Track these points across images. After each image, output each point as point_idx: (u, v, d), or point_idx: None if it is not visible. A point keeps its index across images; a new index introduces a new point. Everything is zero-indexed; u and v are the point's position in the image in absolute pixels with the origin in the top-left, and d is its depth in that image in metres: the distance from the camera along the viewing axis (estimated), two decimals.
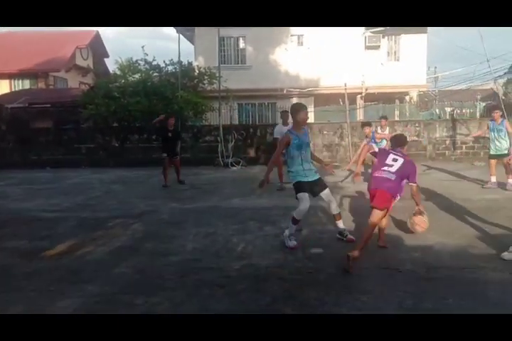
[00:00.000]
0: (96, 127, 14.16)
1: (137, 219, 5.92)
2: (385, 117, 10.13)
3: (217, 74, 14.58)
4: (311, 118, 16.55)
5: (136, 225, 5.55)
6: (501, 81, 20.33)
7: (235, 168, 12.96)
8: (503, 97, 15.43)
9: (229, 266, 3.85)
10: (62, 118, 14.64)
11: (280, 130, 7.72)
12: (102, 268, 3.86)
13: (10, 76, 21.42)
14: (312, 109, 16.85)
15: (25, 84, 21.70)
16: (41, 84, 21.57)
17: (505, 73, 20.64)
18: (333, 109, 15.89)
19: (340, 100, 15.22)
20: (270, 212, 6.19)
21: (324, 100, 16.85)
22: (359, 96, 17.53)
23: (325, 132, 14.50)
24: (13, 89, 20.96)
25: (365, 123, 9.52)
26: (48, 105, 15.13)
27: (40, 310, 2.96)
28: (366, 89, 17.57)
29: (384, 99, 17.06)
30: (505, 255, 3.85)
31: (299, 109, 4.46)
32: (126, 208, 6.74)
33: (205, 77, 15.11)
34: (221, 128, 13.84)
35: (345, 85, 14.70)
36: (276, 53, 18.00)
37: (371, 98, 17.52)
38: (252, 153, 14.56)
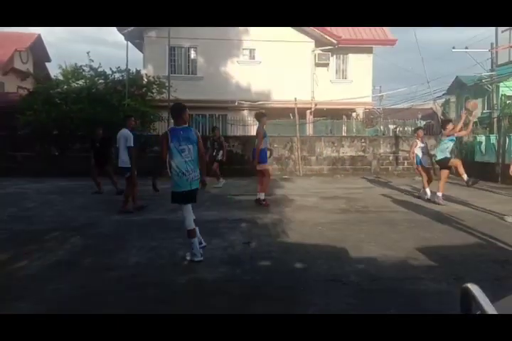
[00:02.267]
0: (34, 134, 13.39)
1: (76, 232, 5.58)
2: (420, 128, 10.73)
3: (166, 84, 14.35)
4: None
5: (75, 238, 5.23)
6: (440, 101, 21.74)
7: None
8: (442, 117, 16.44)
9: (174, 281, 3.72)
10: None
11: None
12: (35, 284, 3.59)
13: None
14: None
15: None
16: None
17: (443, 94, 22.11)
18: (284, 122, 16.16)
19: (291, 114, 15.52)
20: (218, 224, 6.10)
21: (275, 114, 17.06)
22: (309, 111, 17.98)
23: (275, 145, 14.67)
24: None
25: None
26: None
27: None
28: (316, 105, 18.08)
29: (332, 115, 17.62)
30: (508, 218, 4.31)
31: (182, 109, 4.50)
32: (63, 220, 6.35)
33: (154, 86, 14.81)
34: None
35: (296, 100, 15.05)
36: (228, 65, 18.09)
37: (320, 113, 18.03)
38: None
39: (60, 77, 14.35)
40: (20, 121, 12.75)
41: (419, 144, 8.96)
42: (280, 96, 17.39)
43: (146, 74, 15.45)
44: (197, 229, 4.48)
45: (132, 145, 7.09)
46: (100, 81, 14.50)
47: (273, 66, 17.62)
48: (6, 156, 13.24)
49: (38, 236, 5.29)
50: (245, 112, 17.98)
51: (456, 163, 7.99)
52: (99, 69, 14.44)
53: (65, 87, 14.11)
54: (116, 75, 14.74)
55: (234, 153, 14.60)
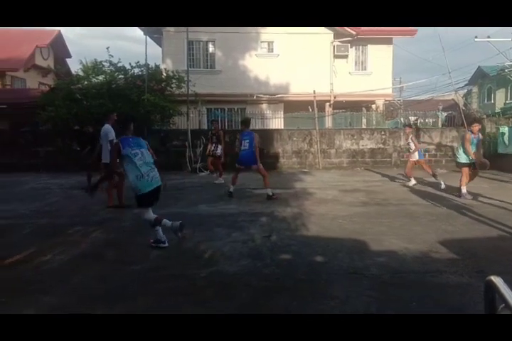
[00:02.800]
0: (55, 130, 13.63)
1: (99, 226, 5.70)
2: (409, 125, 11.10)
3: (185, 78, 14.39)
4: (280, 125, 16.69)
5: (97, 232, 5.33)
6: (462, 92, 21.21)
7: (203, 174, 12.82)
8: (463, 108, 16.06)
9: (196, 274, 3.75)
10: (19, 120, 14.04)
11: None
12: (61, 277, 3.67)
13: None
14: (281, 116, 16.97)
15: None
16: None
17: (465, 85, 21.57)
18: (303, 115, 16.05)
19: (310, 107, 15.40)
20: (238, 218, 6.12)
21: (294, 107, 16.98)
22: (328, 103, 17.81)
23: (294, 138, 14.61)
24: None
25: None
26: (4, 106, 14.48)
27: None
28: (335, 97, 17.89)
29: (352, 107, 17.41)
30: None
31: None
32: (86, 215, 6.48)
33: (173, 81, 14.86)
34: (189, 133, 13.68)
35: (314, 92, 14.91)
36: (246, 59, 18.03)
37: (339, 106, 17.84)
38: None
39: (81, 73, 14.52)
40: (42, 116, 12.97)
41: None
42: (299, 89, 17.26)
43: (165, 69, 15.51)
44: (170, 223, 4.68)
45: (112, 139, 7.00)
46: (120, 76, 14.62)
47: (291, 58, 17.48)
48: (28, 152, 13.55)
49: (62, 230, 5.42)
50: (264, 106, 17.93)
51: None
52: (119, 65, 14.55)
53: (86, 82, 14.27)
54: (136, 70, 14.84)
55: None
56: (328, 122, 16.87)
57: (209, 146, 10.80)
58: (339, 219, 5.91)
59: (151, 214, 4.70)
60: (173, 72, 14.92)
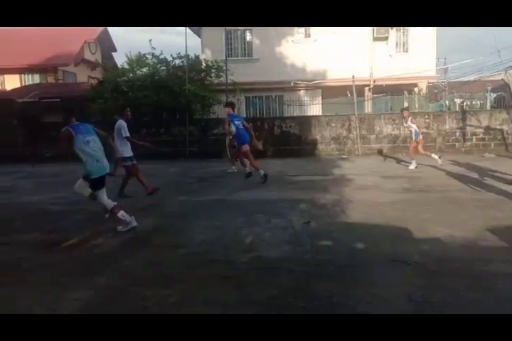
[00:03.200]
0: (104, 121, 14.19)
1: (146, 211, 5.97)
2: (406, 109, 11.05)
3: (224, 68, 14.53)
4: (318, 111, 16.52)
5: (145, 218, 5.58)
6: None
7: None
8: None
9: (238, 259, 3.87)
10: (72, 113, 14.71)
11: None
12: (112, 260, 3.90)
13: (20, 71, 21.62)
14: (319, 102, 16.78)
15: (35, 79, 21.88)
16: (50, 79, 21.72)
17: None
18: (341, 101, 15.79)
19: (348, 92, 15.12)
20: (277, 204, 6.20)
21: (332, 92, 16.73)
22: (367, 88, 17.40)
23: (332, 124, 14.45)
24: (23, 84, 21.14)
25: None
26: (58, 99, 15.22)
27: (53, 301, 3.00)
28: (374, 81, 17.43)
29: (392, 91, 16.92)
30: None
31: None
32: (134, 201, 6.78)
33: (212, 71, 15.06)
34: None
35: (353, 77, 14.60)
36: (283, 46, 17.89)
37: (379, 90, 17.38)
38: (259, 146, 14.56)
39: (126, 66, 15.04)
40: (93, 109, 13.57)
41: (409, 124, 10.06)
42: (337, 74, 16.97)
43: (204, 59, 15.73)
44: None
45: (128, 135, 7.30)
46: (162, 68, 15.02)
47: (329, 43, 17.16)
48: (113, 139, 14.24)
49: (112, 215, 5.69)
50: (301, 92, 17.78)
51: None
52: (161, 57, 14.94)
53: (131, 75, 14.77)
54: (177, 61, 15.18)
55: (291, 133, 14.57)
56: (368, 107, 16.52)
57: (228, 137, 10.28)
58: (380, 206, 5.86)
59: (106, 199, 4.95)
60: (212, 62, 15.11)
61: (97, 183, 4.86)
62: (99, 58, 24.12)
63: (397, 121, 14.22)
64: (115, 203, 5.00)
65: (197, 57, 16.06)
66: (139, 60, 14.76)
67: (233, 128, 8.55)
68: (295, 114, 16.17)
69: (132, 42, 37.07)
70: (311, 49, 17.52)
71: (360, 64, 17.03)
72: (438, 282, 3.24)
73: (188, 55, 14.83)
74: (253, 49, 17.98)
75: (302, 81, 17.55)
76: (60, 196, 7.34)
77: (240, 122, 8.58)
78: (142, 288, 3.24)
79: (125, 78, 14.60)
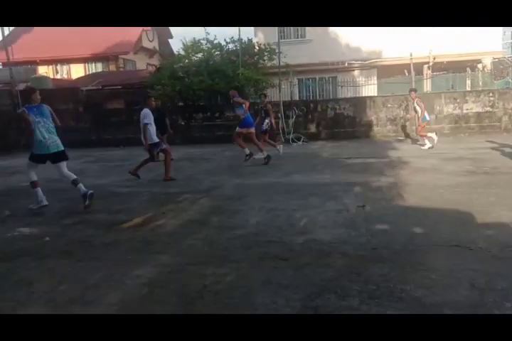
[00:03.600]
0: (163, 107, 14.69)
1: (204, 194, 6.17)
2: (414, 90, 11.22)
3: (276, 50, 14.42)
4: (373, 92, 15.98)
5: (203, 200, 5.80)
6: None
7: (296, 144, 12.95)
8: None
9: (292, 240, 3.92)
10: (132, 99, 15.38)
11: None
12: (173, 240, 4.10)
13: (84, 60, 22.80)
14: (375, 82, 16.22)
15: (98, 67, 23.00)
16: (112, 67, 22.74)
17: None
18: (398, 80, 15.17)
19: (406, 71, 14.47)
20: (332, 187, 6.16)
21: (388, 72, 16.09)
22: (426, 66, 16.52)
23: (389, 105, 13.97)
24: (87, 73, 22.28)
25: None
26: (119, 87, 15.92)
27: (119, 278, 3.20)
28: (434, 58, 16.50)
29: (454, 68, 15.96)
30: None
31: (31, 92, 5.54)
32: (193, 184, 7.05)
33: (265, 54, 15.01)
34: (281, 105, 13.79)
35: (411, 55, 13.93)
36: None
37: (440, 67, 16.46)
38: (312, 128, 14.44)
39: (182, 52, 15.38)
40: (151, 95, 14.05)
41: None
42: (393, 52, 16.24)
43: (257, 43, 15.69)
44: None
45: (147, 122, 7.46)
46: (216, 53, 15.21)
47: None
48: (140, 128, 14.83)
49: (173, 197, 5.98)
50: (356, 72, 17.25)
51: None
52: (215, 42, 15.11)
53: (186, 61, 15.10)
54: (230, 46, 15.30)
55: (345, 115, 14.27)
56: (427, 86, 15.74)
57: (257, 120, 10.15)
58: (440, 189, 5.65)
59: (33, 173, 5.54)
60: (264, 45, 15.04)
61: (34, 158, 5.49)
62: (156, 45, 24.83)
63: (458, 100, 13.48)
64: (36, 179, 5.58)
65: (250, 40, 16.05)
66: (193, 46, 15.03)
67: (241, 112, 8.88)
68: (349, 96, 15.78)
69: (187, 28, 37.58)
70: (366, 27, 16.85)
71: (418, 41, 16.16)
72: (504, 269, 3.10)
73: (241, 39, 14.88)
74: (306, 30, 17.59)
75: (357, 61, 17.00)
76: (126, 178, 7.76)
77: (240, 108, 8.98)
78: (201, 266, 3.39)
79: (181, 64, 14.95)
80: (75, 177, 5.58)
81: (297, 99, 16.01)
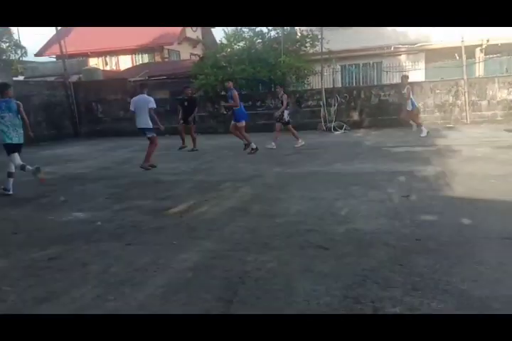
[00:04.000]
0: (206, 96, 14.88)
1: (245, 182, 6.26)
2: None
3: (319, 37, 14.14)
4: (421, 77, 15.35)
5: (244, 188, 5.88)
6: None
7: (337, 132, 12.76)
8: None
9: (333, 230, 3.91)
10: (177, 89, 15.68)
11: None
12: (216, 226, 4.21)
13: (132, 51, 23.46)
14: (422, 66, 15.58)
15: (145, 58, 23.64)
16: (158, 58, 23.29)
17: None
18: (447, 64, 14.48)
19: (456, 54, 13.78)
20: (374, 177, 6.06)
21: (437, 55, 15.37)
22: (478, 48, 15.63)
23: (437, 91, 13.42)
24: (134, 64, 22.94)
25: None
26: (164, 77, 16.26)
27: (165, 262, 3.35)
28: (487, 41, 15.56)
29: (509, 51, 15.01)
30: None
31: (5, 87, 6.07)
32: (234, 172, 7.15)
33: (307, 40, 14.76)
34: (323, 92, 13.60)
35: (462, 38, 13.23)
36: None
37: (494, 50, 15.51)
38: (355, 116, 14.14)
39: (224, 41, 15.44)
40: (195, 84, 14.29)
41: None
42: (443, 35, 15.46)
43: (299, 29, 15.45)
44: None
45: (155, 106, 7.81)
46: (258, 41, 15.14)
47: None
48: (184, 117, 15.16)
49: (215, 185, 6.11)
50: (403, 57, 16.59)
51: None
52: (257, 30, 15.04)
53: (229, 50, 15.15)
54: (272, 33, 15.18)
55: (389, 102, 13.85)
56: (479, 70, 14.90)
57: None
58: (491, 179, 5.42)
59: (13, 164, 6.05)
60: (306, 31, 14.79)
61: (8, 149, 6.04)
62: (200, 35, 25.08)
63: None
64: (13, 171, 6.09)
65: (292, 27, 15.82)
66: (235, 35, 15.03)
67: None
68: (394, 81, 15.25)
69: None
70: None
71: None
72: None
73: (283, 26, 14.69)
74: None
75: (403, 45, 16.35)
76: (172, 167, 8.03)
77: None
78: (242, 253, 3.47)
79: (223, 53, 15.02)
80: (22, 163, 6.17)
81: (340, 86, 15.68)
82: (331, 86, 14.80)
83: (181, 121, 10.45)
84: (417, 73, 15.49)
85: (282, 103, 10.02)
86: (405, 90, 10.75)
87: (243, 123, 9.28)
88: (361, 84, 16.52)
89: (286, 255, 3.40)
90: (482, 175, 5.68)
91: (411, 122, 11.21)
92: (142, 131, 7.89)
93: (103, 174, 7.69)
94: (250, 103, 14.42)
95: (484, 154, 7.31)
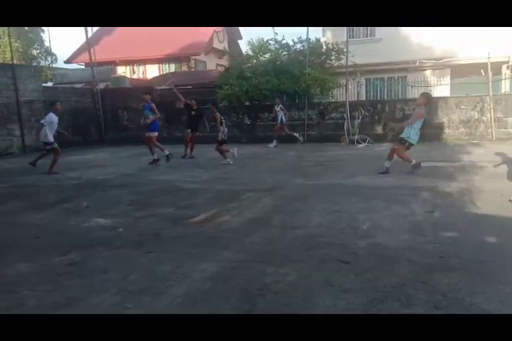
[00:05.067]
0: (230, 106, 15.05)
1: (266, 192, 6.25)
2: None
3: (344, 50, 14.20)
4: (446, 92, 15.16)
5: (266, 199, 5.87)
6: None
7: (361, 146, 12.68)
8: None
9: (354, 244, 3.85)
10: (201, 99, 15.93)
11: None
12: (237, 236, 4.20)
13: (159, 60, 24.00)
14: (448, 82, 15.41)
15: (171, 68, 24.14)
16: (184, 67, 23.74)
17: None
18: (473, 81, 14.29)
19: (482, 71, 13.58)
20: (398, 191, 5.97)
21: (462, 71, 15.21)
22: (505, 65, 15.40)
23: (462, 106, 13.21)
24: (161, 73, 23.42)
25: None
26: (190, 87, 16.55)
27: (185, 271, 3.34)
28: None
29: None
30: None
31: None
32: (256, 182, 7.16)
33: (333, 53, 14.85)
34: (348, 105, 13.56)
35: (489, 54, 13.05)
36: None
37: None
38: (379, 130, 14.04)
39: (250, 53, 15.66)
40: (219, 94, 14.48)
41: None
42: (469, 51, 15.30)
43: (325, 42, 15.58)
44: None
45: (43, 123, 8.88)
46: (284, 53, 15.31)
47: None
48: (210, 127, 15.37)
49: (236, 195, 6.12)
50: (427, 72, 16.49)
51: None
52: (283, 42, 15.21)
53: (254, 61, 15.35)
54: (298, 46, 15.35)
55: None
56: (505, 86, 14.68)
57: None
58: None
59: None
60: (332, 44, 14.89)
61: None
62: (226, 46, 25.49)
63: None
64: None
65: (317, 40, 16.00)
66: (261, 47, 15.23)
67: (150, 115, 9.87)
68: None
69: (257, 28, 38.21)
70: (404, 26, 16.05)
71: (497, 38, 15.09)
72: None
73: (309, 39, 14.83)
74: (376, 29, 17.13)
75: (429, 60, 16.23)
76: (194, 175, 8.11)
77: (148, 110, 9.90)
78: (262, 264, 3.43)
79: (249, 64, 15.22)
80: None
81: (364, 99, 15.64)
82: (356, 99, 14.78)
83: (189, 130, 11.04)
84: (442, 88, 15.33)
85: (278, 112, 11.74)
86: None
87: (156, 133, 10.11)
88: (386, 98, 16.43)
89: (306, 268, 3.36)
90: (508, 192, 5.54)
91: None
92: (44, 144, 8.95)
93: (126, 180, 7.80)
94: (274, 114, 14.50)
95: (510, 171, 7.13)
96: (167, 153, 9.88)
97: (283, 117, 13.06)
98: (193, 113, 11.10)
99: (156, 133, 10.13)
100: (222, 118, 9.76)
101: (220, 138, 9.66)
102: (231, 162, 9.43)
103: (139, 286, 3.08)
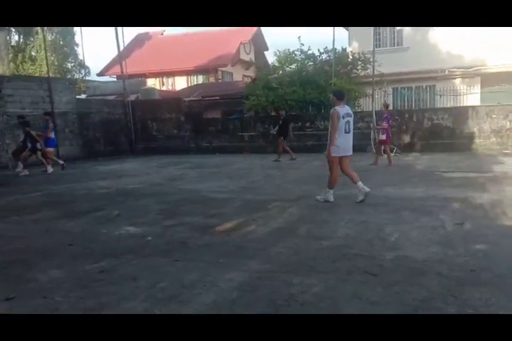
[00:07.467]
0: (257, 116, 15.21)
1: (293, 202, 6.27)
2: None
3: (371, 59, 14.15)
4: (477, 101, 14.83)
5: (292, 209, 5.88)
6: None
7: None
8: None
9: (382, 256, 3.81)
10: (228, 109, 16.19)
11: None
12: (263, 246, 4.22)
13: (187, 72, 24.59)
14: (478, 91, 15.08)
15: (199, 79, 24.70)
16: (211, 79, 24.26)
17: None
18: (505, 89, 13.93)
19: None
20: (426, 202, 5.88)
21: (493, 80, 14.85)
22: None
23: (493, 116, 12.90)
24: (189, 84, 23.97)
25: None
26: (217, 97, 16.85)
27: (212, 280, 3.38)
28: None
29: None
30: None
31: None
32: (282, 192, 7.19)
33: (359, 63, 14.82)
34: (374, 115, 13.44)
35: None
36: (437, 30, 16.49)
37: None
38: (407, 139, 13.85)
39: (276, 63, 15.82)
40: (246, 105, 14.67)
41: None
42: (500, 58, 14.95)
43: (351, 52, 15.58)
44: None
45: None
46: (309, 63, 15.39)
47: None
48: (236, 136, 15.59)
49: (263, 205, 6.17)
50: (457, 81, 16.18)
51: None
52: (309, 52, 15.30)
53: (280, 72, 15.50)
54: (324, 56, 15.41)
55: (443, 126, 13.45)
56: None
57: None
58: None
59: None
60: (358, 54, 14.87)
61: None
62: (252, 57, 25.87)
63: None
64: None
65: (343, 50, 15.99)
66: (287, 57, 15.36)
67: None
68: (448, 105, 14.86)
69: (283, 39, 38.53)
70: (470, 32, 15.75)
71: None
72: None
73: (335, 49, 14.86)
74: (403, 37, 17.01)
75: (458, 68, 15.95)
76: (221, 185, 8.22)
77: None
78: (288, 275, 3.44)
79: (275, 75, 15.37)
80: None
81: (391, 108, 15.48)
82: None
83: (281, 138, 12.22)
84: (472, 97, 15.02)
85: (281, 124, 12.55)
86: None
87: (51, 149, 11.48)
88: (413, 107, 16.22)
89: (332, 279, 3.34)
90: None
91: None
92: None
93: (155, 190, 7.97)
94: (300, 124, 14.52)
95: None
96: (50, 170, 11.08)
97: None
98: (280, 122, 12.23)
99: (52, 149, 11.53)
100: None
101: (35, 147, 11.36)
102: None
103: (167, 294, 3.14)
